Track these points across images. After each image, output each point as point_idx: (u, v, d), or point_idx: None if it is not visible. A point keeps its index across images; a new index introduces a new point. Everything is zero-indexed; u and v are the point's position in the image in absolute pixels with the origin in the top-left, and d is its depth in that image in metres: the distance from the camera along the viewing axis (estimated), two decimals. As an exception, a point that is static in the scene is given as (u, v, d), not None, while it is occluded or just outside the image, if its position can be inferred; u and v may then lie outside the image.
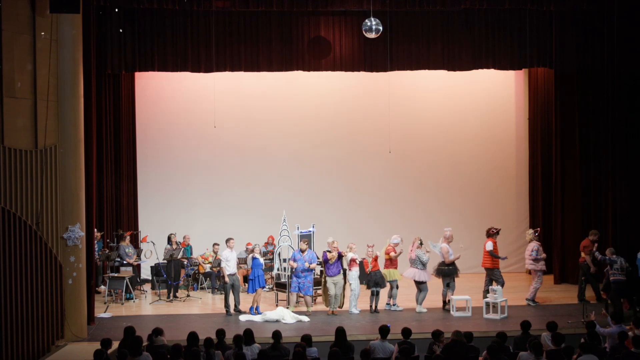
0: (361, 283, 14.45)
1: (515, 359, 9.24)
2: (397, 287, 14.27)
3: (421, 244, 14.16)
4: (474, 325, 12.55)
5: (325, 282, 14.11)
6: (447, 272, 14.12)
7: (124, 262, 15.65)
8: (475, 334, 10.19)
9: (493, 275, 14.29)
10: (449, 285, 14.11)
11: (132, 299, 15.45)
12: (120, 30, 15.30)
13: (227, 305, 14.08)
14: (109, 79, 16.66)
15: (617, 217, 15.12)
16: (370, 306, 14.11)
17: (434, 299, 14.46)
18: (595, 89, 16.16)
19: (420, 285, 14.09)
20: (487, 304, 13.55)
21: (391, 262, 14.19)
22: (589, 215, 16.54)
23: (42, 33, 11.82)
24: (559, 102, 16.75)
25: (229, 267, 14.09)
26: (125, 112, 17.52)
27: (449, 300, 14.04)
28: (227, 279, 14.04)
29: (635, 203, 14.92)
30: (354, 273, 14.06)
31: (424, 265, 14.06)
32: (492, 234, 14.46)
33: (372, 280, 14.07)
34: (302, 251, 14.10)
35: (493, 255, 14.24)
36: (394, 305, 14.24)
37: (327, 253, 14.03)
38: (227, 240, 14.35)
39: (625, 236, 14.97)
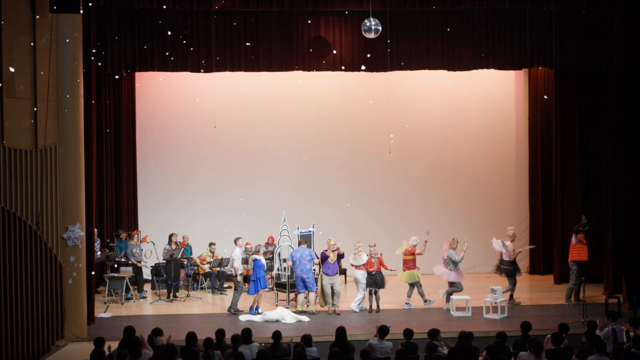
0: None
1: (515, 359, 9.25)
2: (415, 287, 14.39)
3: (457, 243, 14.32)
4: (474, 325, 12.54)
5: (321, 280, 14.10)
6: (511, 271, 14.36)
7: (129, 262, 15.63)
8: (475, 334, 10.16)
9: (572, 268, 14.54)
10: (514, 283, 14.39)
11: (131, 298, 15.46)
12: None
13: (235, 305, 14.12)
14: (109, 79, 16.66)
15: (617, 217, 15.11)
16: (370, 306, 14.12)
17: (440, 299, 14.52)
18: (595, 89, 16.15)
19: (455, 284, 14.17)
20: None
21: (412, 263, 14.30)
22: (589, 215, 16.52)
23: (46, 37, 11.83)
24: (559, 102, 16.76)
25: (240, 265, 14.16)
26: (125, 112, 17.53)
27: (511, 296, 14.36)
28: (239, 278, 14.07)
29: (635, 203, 14.91)
30: (361, 272, 14.10)
31: (455, 265, 14.11)
32: (580, 230, 14.64)
33: (373, 280, 14.07)
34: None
35: (577, 239, 14.45)
36: (426, 301, 14.38)
37: (325, 252, 14.06)
38: (238, 239, 14.39)
39: (626, 236, 14.96)
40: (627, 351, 9.20)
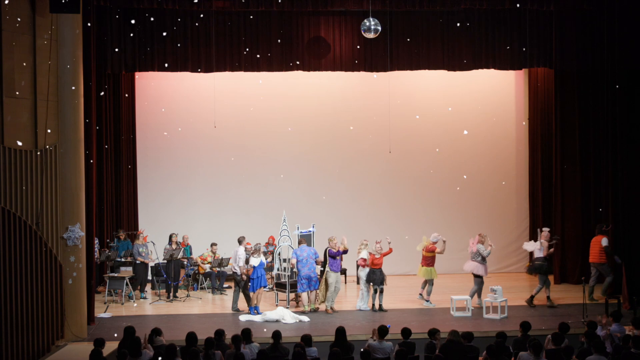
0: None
1: (515, 359, 9.26)
2: (432, 285, 14.53)
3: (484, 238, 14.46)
4: (474, 325, 12.55)
5: (327, 278, 14.11)
6: (546, 268, 14.31)
7: (137, 261, 15.62)
8: (475, 334, 10.19)
9: (603, 270, 14.61)
10: (545, 282, 14.31)
11: (132, 297, 15.48)
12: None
13: (247, 302, 14.22)
14: (109, 79, 16.66)
15: (619, 217, 15.10)
16: (373, 304, 14.14)
17: (441, 299, 14.54)
18: (595, 89, 16.15)
19: (476, 279, 14.26)
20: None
21: (431, 260, 14.33)
22: (589, 215, 16.55)
23: (46, 37, 11.84)
24: (559, 102, 16.75)
25: (242, 265, 14.21)
26: (125, 112, 17.53)
27: (548, 297, 14.29)
28: (244, 277, 14.09)
29: (636, 203, 14.91)
30: (363, 271, 14.14)
31: (483, 259, 14.19)
32: (604, 230, 14.72)
33: (379, 278, 14.08)
34: None
35: (608, 251, 14.54)
36: (426, 301, 14.47)
37: (332, 250, 14.10)
38: (244, 239, 14.48)
39: (627, 236, 14.96)
40: (627, 351, 9.20)
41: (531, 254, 15.50)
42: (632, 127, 14.92)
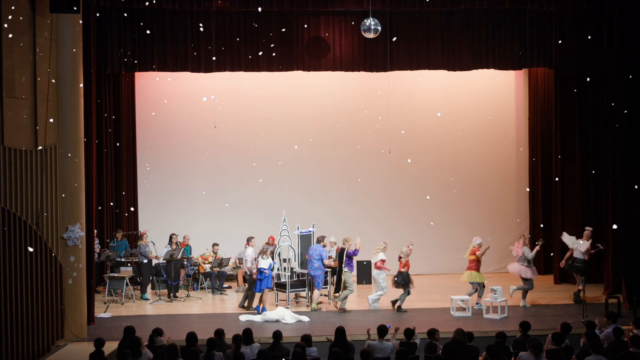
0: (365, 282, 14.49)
1: (515, 359, 9.26)
2: (484, 287, 14.35)
3: (528, 241, 14.48)
4: (474, 325, 12.54)
5: (346, 279, 14.16)
6: (584, 269, 14.29)
7: (144, 260, 15.60)
8: (475, 334, 10.19)
9: None
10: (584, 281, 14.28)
11: (135, 298, 15.49)
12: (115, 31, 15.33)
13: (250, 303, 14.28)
14: (109, 79, 16.65)
15: (619, 217, 15.09)
16: (394, 302, 14.22)
17: (441, 299, 14.56)
18: (595, 89, 16.15)
19: (526, 282, 14.27)
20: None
21: (475, 264, 14.25)
22: (589, 215, 16.54)
23: (46, 37, 11.86)
24: (559, 102, 16.75)
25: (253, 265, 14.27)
26: (125, 113, 17.52)
27: (580, 291, 14.25)
28: (254, 276, 14.12)
29: (636, 203, 14.91)
30: (382, 273, 14.23)
31: (529, 262, 14.20)
32: None
33: (404, 280, 14.09)
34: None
35: None
36: (477, 304, 14.27)
37: (349, 250, 14.19)
38: (251, 239, 14.59)
39: (626, 236, 14.96)
40: (627, 351, 9.20)
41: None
42: (632, 126, 14.92)
